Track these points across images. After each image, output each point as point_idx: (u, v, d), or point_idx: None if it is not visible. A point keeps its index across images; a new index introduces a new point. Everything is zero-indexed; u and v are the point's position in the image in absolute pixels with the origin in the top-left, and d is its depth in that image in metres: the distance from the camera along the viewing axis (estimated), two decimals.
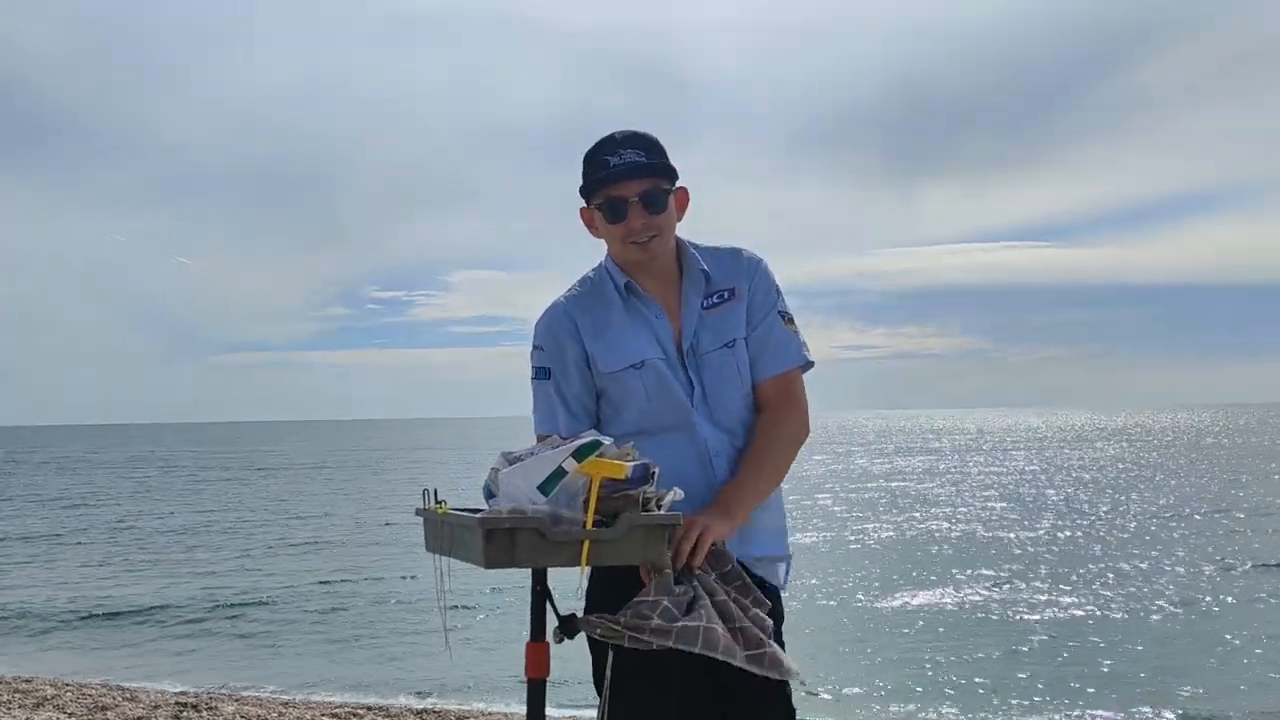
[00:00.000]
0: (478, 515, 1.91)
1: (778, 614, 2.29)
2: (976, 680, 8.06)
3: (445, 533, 2.09)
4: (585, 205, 2.40)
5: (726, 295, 2.41)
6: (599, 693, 2.19)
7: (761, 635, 2.08)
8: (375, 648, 9.75)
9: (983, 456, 43.42)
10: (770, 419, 2.38)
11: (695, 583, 2.09)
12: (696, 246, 2.45)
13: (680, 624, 2.00)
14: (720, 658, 2.02)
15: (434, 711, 6.72)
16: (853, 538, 17.02)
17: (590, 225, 2.42)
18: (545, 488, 1.80)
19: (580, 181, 2.37)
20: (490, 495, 2.06)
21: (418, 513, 2.17)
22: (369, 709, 6.74)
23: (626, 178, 2.28)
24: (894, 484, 28.70)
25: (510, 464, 1.98)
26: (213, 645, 10.27)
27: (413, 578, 13.30)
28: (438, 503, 2.11)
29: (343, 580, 13.75)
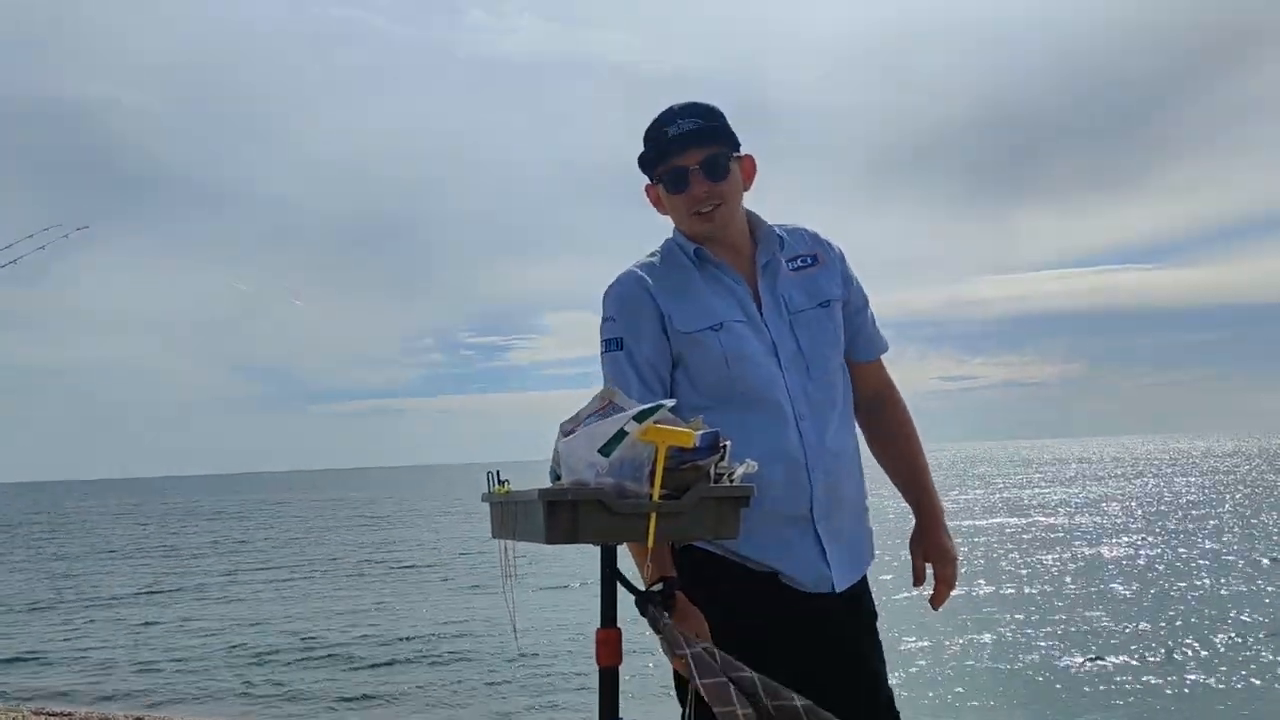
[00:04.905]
0: (538, 490, 1.82)
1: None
2: None
3: (509, 514, 2.00)
4: (650, 183, 2.35)
5: (809, 260, 2.36)
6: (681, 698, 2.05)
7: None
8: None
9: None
10: (901, 411, 2.49)
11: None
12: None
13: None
14: None
15: None
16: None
17: (656, 203, 2.37)
18: (606, 450, 1.69)
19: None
20: (556, 478, 1.97)
21: (483, 499, 2.09)
22: None
23: (685, 146, 2.24)
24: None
25: (567, 435, 1.88)
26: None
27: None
28: (500, 483, 2.02)
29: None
